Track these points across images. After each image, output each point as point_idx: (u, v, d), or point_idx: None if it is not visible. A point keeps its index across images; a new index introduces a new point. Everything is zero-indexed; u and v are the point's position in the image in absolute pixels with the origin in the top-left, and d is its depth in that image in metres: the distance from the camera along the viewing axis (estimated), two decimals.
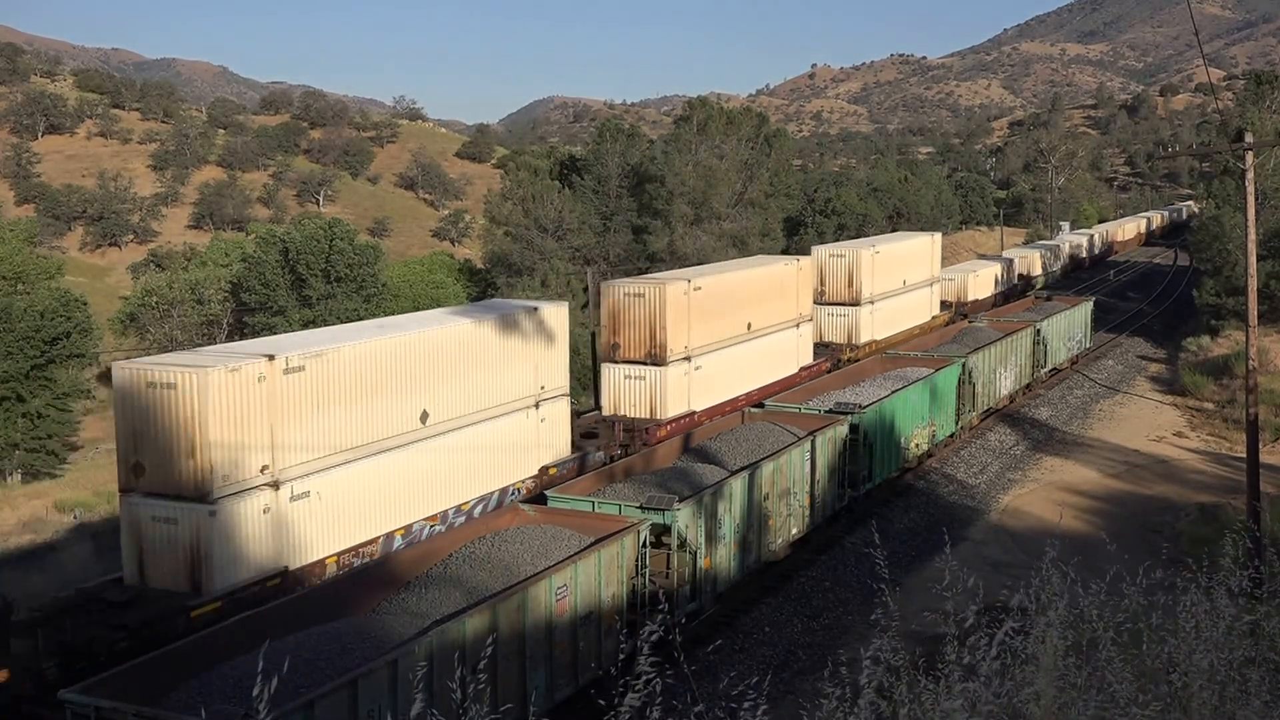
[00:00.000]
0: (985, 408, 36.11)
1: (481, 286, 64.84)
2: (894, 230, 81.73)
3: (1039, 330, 40.99)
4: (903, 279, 44.99)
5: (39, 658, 15.85)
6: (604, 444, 27.69)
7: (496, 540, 17.31)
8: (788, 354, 35.67)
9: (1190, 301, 58.81)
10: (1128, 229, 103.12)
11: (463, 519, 22.11)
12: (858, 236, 72.06)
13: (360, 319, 53.70)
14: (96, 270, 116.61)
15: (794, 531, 23.41)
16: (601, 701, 7.17)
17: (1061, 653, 7.20)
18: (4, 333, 44.58)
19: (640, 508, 18.97)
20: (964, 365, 33.53)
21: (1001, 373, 37.00)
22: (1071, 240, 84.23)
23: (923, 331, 44.99)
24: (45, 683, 15.28)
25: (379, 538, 20.41)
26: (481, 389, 23.25)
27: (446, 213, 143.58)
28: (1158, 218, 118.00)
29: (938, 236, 51.22)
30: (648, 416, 29.36)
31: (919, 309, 47.19)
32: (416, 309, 54.20)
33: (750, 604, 22.03)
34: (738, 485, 20.96)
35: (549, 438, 25.46)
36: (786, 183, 75.75)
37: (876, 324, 42.30)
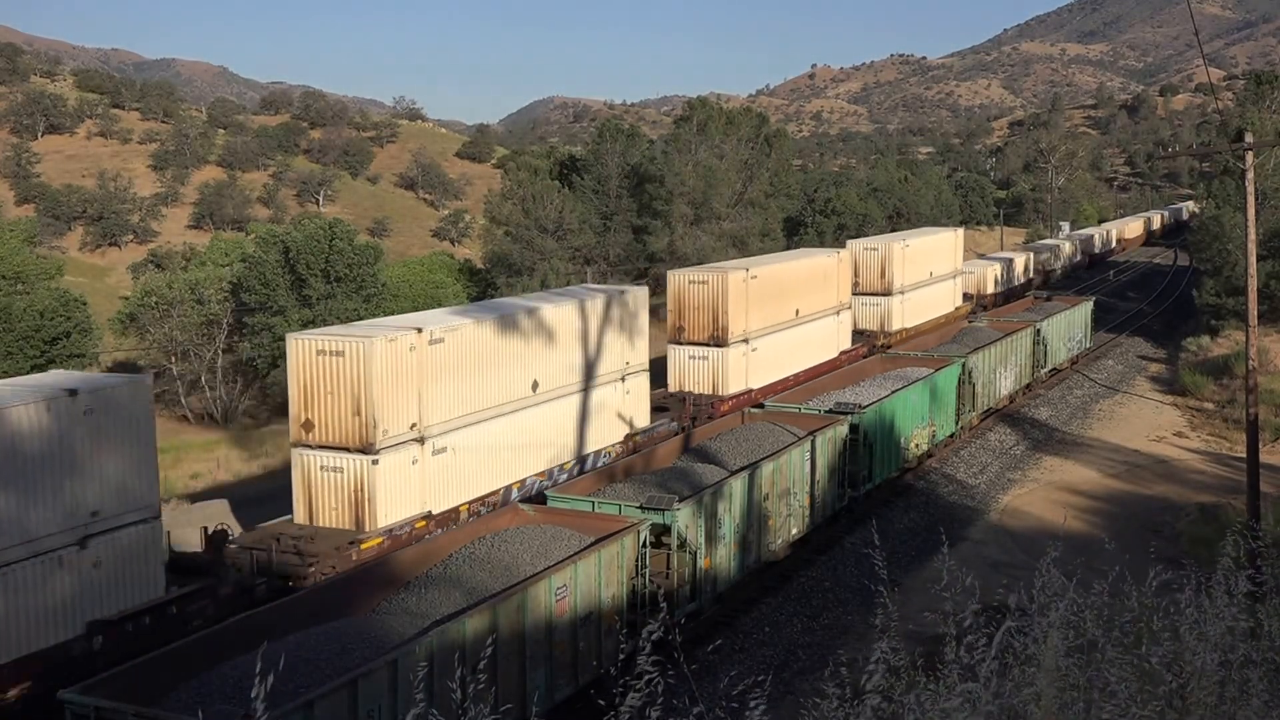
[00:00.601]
0: (985, 408, 36.10)
1: (481, 286, 64.77)
2: (894, 230, 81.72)
3: (1039, 330, 40.99)
4: (929, 271, 47.78)
5: (253, 577, 18.97)
6: (675, 416, 30.37)
7: (496, 540, 17.31)
8: (830, 339, 38.73)
9: (1190, 301, 58.81)
10: (1134, 227, 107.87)
11: (565, 476, 24.96)
12: (858, 236, 72.06)
13: (360, 319, 53.55)
14: (96, 270, 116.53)
15: (794, 531, 23.40)
16: (601, 702, 7.16)
17: (1062, 653, 7.19)
18: (4, 333, 44.57)
19: (640, 508, 18.97)
20: (964, 365, 33.52)
21: (1001, 373, 37.00)
22: (1082, 236, 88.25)
23: (948, 320, 47.92)
24: (255, 599, 18.31)
25: (500, 490, 23.40)
26: (580, 363, 26.40)
27: (446, 213, 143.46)
28: (1159, 217, 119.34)
29: (960, 232, 54.34)
30: (710, 393, 32.22)
31: (944, 299, 49.95)
32: (416, 309, 54.16)
33: (750, 604, 22.03)
34: (738, 485, 20.95)
35: (633, 408, 28.50)
36: (786, 183, 75.69)
37: (907, 313, 45.24)
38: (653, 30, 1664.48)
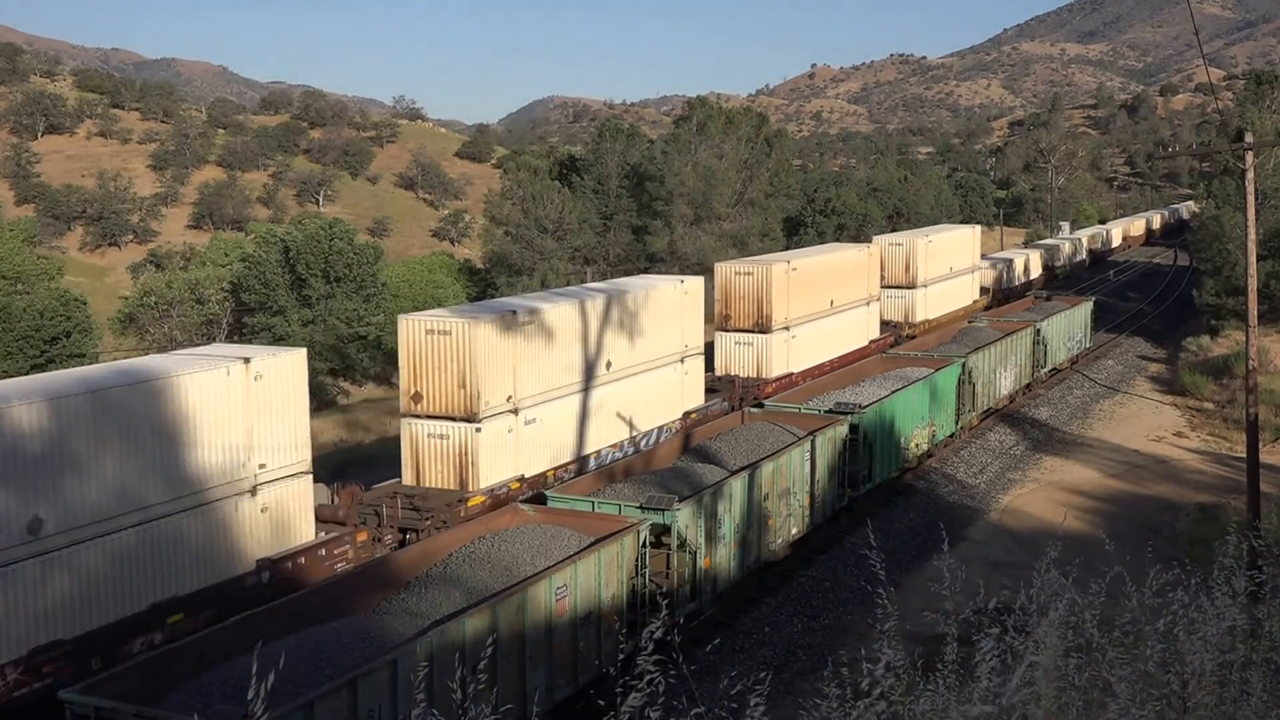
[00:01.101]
0: (985, 408, 36.08)
1: (481, 286, 64.78)
2: (894, 230, 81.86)
3: (1039, 330, 40.97)
4: (949, 266, 50.59)
5: (380, 529, 21.74)
6: (726, 396, 32.72)
7: (496, 540, 17.30)
8: (860, 328, 41.28)
9: (1190, 301, 58.80)
10: (1134, 226, 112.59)
11: (632, 450, 27.10)
12: (858, 236, 72.17)
13: (360, 319, 53.59)
14: (96, 270, 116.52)
15: (794, 531, 23.40)
16: (601, 702, 7.16)
17: (1061, 653, 7.18)
18: (4, 332, 44.58)
19: (640, 508, 18.95)
20: (964, 365, 33.51)
21: (1001, 373, 36.99)
22: (1092, 233, 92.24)
23: (965, 313, 50.32)
24: (383, 547, 21.50)
25: (577, 459, 25.88)
26: (647, 345, 28.66)
27: (446, 213, 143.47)
28: (1158, 217, 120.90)
29: (979, 228, 57.61)
30: (755, 376, 34.69)
31: (963, 292, 52.84)
32: (416, 309, 54.15)
33: (750, 604, 22.01)
34: (738, 485, 20.94)
35: (690, 387, 31.02)
36: (786, 183, 75.67)
37: (929, 305, 48.00)
38: (652, 30, 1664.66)
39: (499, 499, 22.66)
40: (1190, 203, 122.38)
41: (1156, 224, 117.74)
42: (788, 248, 69.48)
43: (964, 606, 8.09)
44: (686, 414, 30.20)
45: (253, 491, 19.14)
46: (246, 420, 18.91)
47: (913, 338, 43.27)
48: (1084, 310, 47.50)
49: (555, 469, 24.95)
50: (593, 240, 63.62)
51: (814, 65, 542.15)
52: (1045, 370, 42.35)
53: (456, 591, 15.74)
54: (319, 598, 15.58)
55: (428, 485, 23.15)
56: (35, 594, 15.81)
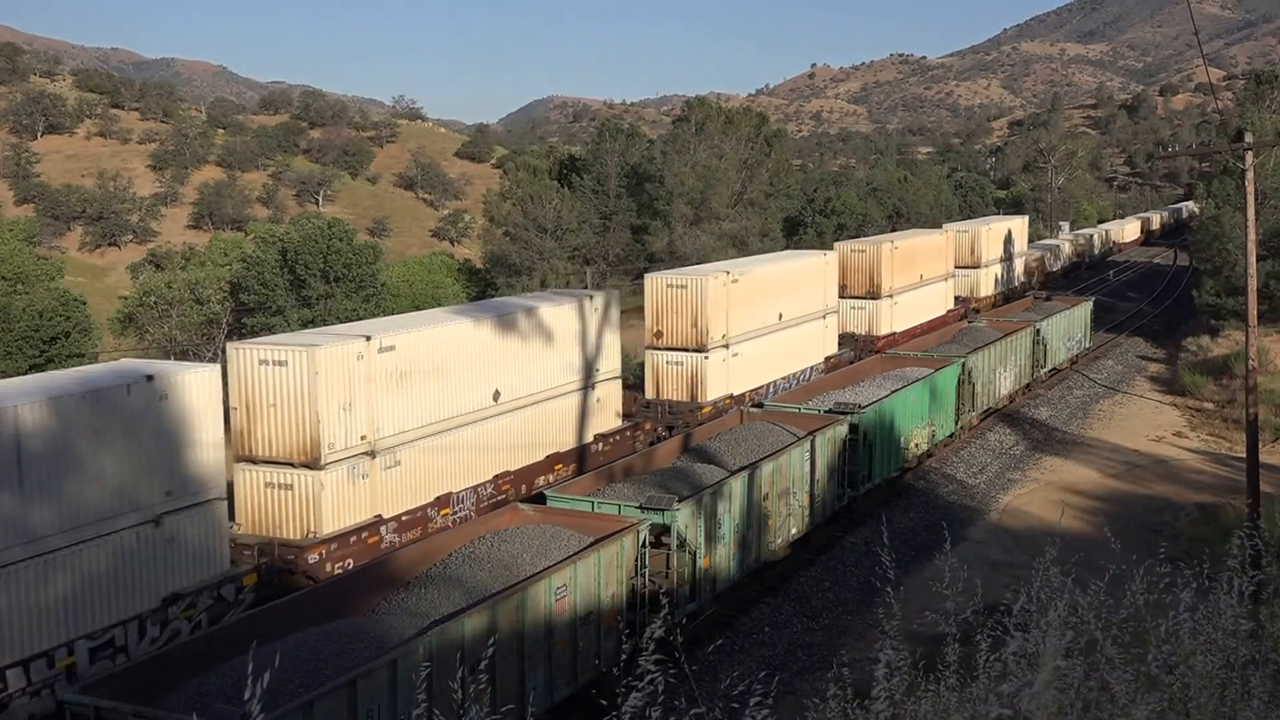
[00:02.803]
0: (985, 408, 36.08)
1: (481, 286, 64.73)
2: (894, 230, 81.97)
3: (1039, 330, 40.96)
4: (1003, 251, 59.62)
5: (655, 428, 29.77)
6: (852, 348, 40.49)
7: (496, 540, 17.29)
8: (940, 300, 49.45)
9: (1190, 301, 58.78)
10: (1153, 221, 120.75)
11: (795, 384, 34.52)
12: (857, 236, 72.23)
13: (359, 319, 53.50)
14: (96, 270, 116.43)
15: (793, 531, 23.39)
16: (603, 701, 7.15)
17: (1061, 653, 7.16)
18: (3, 333, 44.53)
19: (640, 508, 18.94)
20: (964, 365, 33.50)
21: (1001, 373, 36.98)
22: (1112, 228, 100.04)
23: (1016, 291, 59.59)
24: (655, 438, 29.08)
25: (764, 385, 33.66)
26: (803, 303, 36.20)
27: (446, 213, 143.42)
28: (1158, 217, 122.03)
29: (1026, 219, 68.60)
30: (867, 333, 42.70)
31: (1014, 274, 61.83)
32: (416, 309, 54.07)
33: (750, 604, 22.01)
34: (737, 485, 20.93)
35: (829, 338, 38.83)
36: (786, 183, 75.52)
37: (989, 282, 57.06)
38: (652, 30, 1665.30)
39: (719, 409, 30.10)
40: (1189, 202, 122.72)
41: (1155, 225, 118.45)
42: (787, 248, 69.44)
43: (964, 606, 8.07)
44: (827, 358, 37.84)
45: (593, 387, 27.39)
46: (590, 338, 26.93)
47: (978, 311, 50.67)
48: (1084, 310, 47.48)
49: (750, 391, 32.51)
50: (592, 240, 63.60)
51: (814, 65, 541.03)
52: (1045, 370, 42.35)
53: (456, 591, 15.72)
54: (318, 598, 15.58)
55: (665, 399, 31.15)
56: (497, 442, 23.97)
